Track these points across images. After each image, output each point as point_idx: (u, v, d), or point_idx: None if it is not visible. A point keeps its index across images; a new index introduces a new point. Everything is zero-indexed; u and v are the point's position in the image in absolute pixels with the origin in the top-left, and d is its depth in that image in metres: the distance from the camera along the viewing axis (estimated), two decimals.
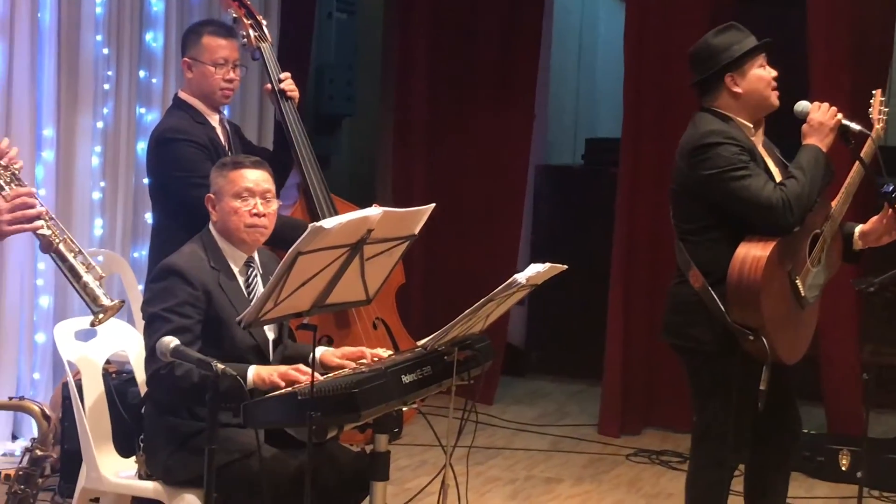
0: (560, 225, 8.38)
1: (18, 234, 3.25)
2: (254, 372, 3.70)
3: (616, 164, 7.26)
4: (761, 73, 4.19)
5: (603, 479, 6.19)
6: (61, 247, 3.23)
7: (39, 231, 3.20)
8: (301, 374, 3.65)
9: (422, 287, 7.59)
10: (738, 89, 4.18)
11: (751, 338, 4.05)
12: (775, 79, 4.21)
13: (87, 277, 3.24)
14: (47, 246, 3.22)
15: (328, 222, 3.30)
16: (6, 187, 3.20)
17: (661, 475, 6.27)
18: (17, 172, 3.26)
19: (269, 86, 5.11)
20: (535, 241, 8.31)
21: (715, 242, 4.14)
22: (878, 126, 4.26)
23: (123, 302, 3.37)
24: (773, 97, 4.22)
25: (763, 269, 4.01)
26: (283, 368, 3.71)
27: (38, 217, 3.19)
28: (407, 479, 5.75)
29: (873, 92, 4.35)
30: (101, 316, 3.26)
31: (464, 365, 3.89)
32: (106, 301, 3.25)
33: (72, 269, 3.24)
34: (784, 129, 4.34)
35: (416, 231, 3.71)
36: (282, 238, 4.06)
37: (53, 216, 3.27)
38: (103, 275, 3.31)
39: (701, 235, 4.19)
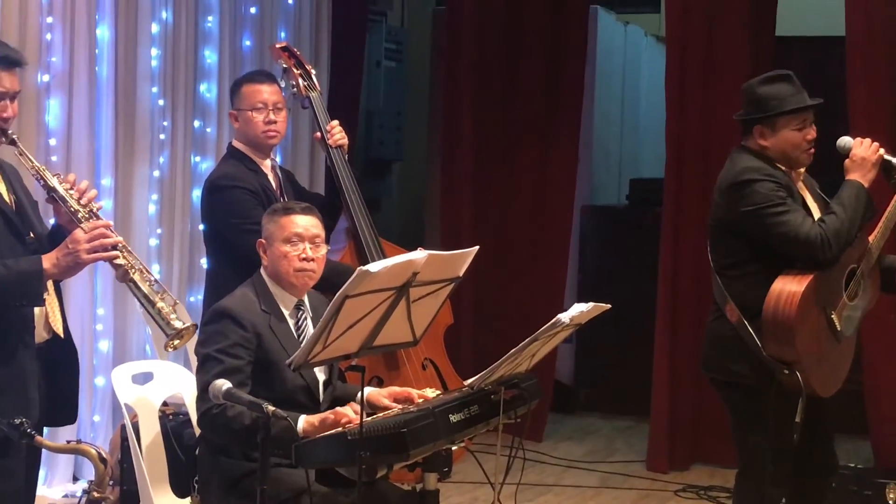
0: (606, 264, 8.38)
1: (75, 278, 3.33)
2: (304, 420, 3.72)
3: (660, 204, 7.27)
4: (792, 135, 4.17)
5: None
6: (136, 276, 3.33)
7: (116, 261, 3.30)
8: (348, 413, 3.64)
9: (471, 327, 7.59)
10: (764, 142, 4.19)
11: (786, 372, 4.04)
12: (810, 141, 4.19)
13: (161, 304, 3.34)
14: (123, 275, 3.32)
15: (374, 266, 3.30)
16: (86, 221, 3.32)
17: None
18: (94, 210, 3.38)
19: (318, 134, 5.13)
20: (581, 280, 8.30)
21: (751, 277, 4.14)
22: None
23: (196, 325, 3.44)
24: (802, 157, 4.22)
25: (798, 304, 4.00)
26: (336, 410, 3.72)
27: (115, 247, 3.29)
28: None
29: None
30: (175, 342, 3.37)
31: (510, 403, 3.86)
32: (178, 324, 3.35)
33: (146, 297, 3.34)
34: (826, 165, 4.32)
35: (461, 273, 3.70)
36: (329, 283, 4.08)
37: (129, 248, 3.37)
38: (177, 301, 3.39)
39: (738, 270, 4.19)
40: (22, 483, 3.34)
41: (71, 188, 3.39)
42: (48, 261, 3.26)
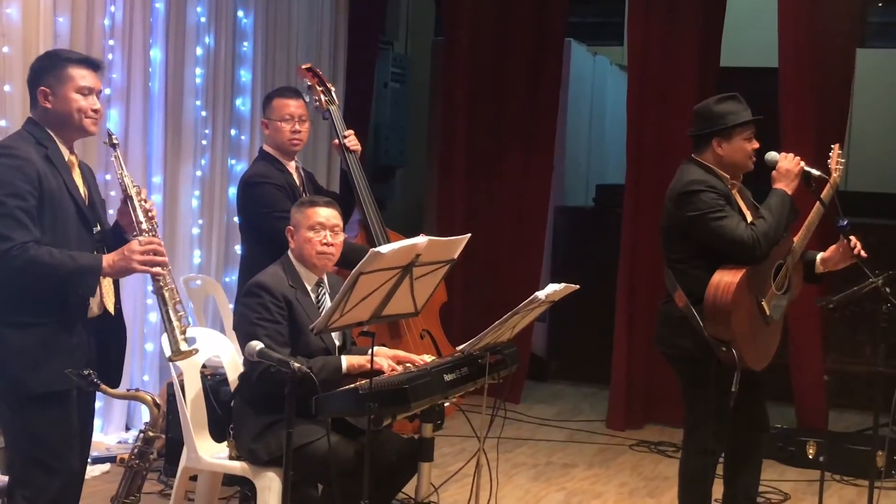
0: (575, 255, 8.36)
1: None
2: (346, 361, 3.82)
3: (621, 206, 7.27)
4: (744, 145, 4.20)
5: (610, 465, 6.19)
6: (166, 293, 3.30)
7: (157, 277, 3.28)
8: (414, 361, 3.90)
9: (461, 305, 7.57)
10: (721, 152, 4.20)
11: (723, 349, 4.06)
12: (755, 150, 4.22)
13: (176, 324, 3.29)
14: (158, 290, 3.30)
15: (384, 248, 3.34)
16: (145, 234, 3.30)
17: (658, 462, 6.26)
18: (155, 225, 3.36)
19: (336, 141, 5.14)
20: (553, 268, 8.29)
21: (697, 270, 4.15)
22: (835, 175, 4.27)
23: (196, 350, 3.42)
24: (749, 164, 4.24)
25: (733, 292, 4.02)
26: (395, 352, 3.96)
27: (162, 265, 3.28)
28: (448, 463, 5.75)
29: (832, 146, 4.37)
30: (175, 357, 3.33)
31: (495, 366, 3.91)
32: (183, 346, 3.30)
33: (167, 315, 3.29)
34: (756, 174, 4.36)
35: (456, 256, 3.74)
36: (348, 260, 4.13)
37: (170, 269, 3.35)
38: (189, 325, 3.35)
39: (685, 264, 4.20)
40: (77, 429, 3.33)
41: (143, 200, 3.37)
42: (106, 261, 3.25)
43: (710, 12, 7.04)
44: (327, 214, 4.06)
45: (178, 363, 4.10)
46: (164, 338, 3.44)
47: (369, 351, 3.64)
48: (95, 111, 3.36)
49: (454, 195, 7.88)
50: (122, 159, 3.42)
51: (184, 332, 3.30)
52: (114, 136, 3.39)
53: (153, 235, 3.32)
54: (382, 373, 3.79)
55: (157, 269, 3.27)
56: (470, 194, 7.84)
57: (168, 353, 3.35)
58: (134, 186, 3.39)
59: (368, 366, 3.68)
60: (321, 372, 3.72)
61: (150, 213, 3.37)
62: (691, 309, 4.12)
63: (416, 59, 9.33)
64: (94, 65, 3.39)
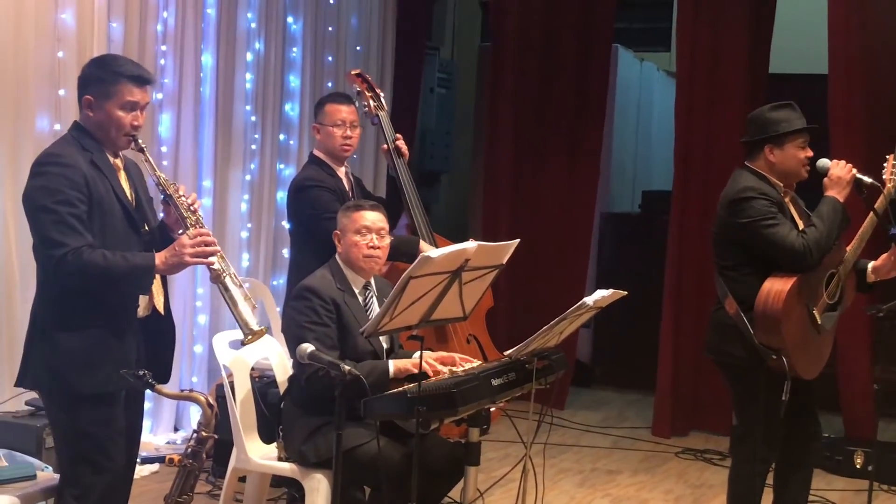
0: (620, 262, 8.36)
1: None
2: (394, 365, 3.83)
3: (668, 212, 7.26)
4: (796, 153, 4.18)
5: (655, 472, 6.17)
6: (227, 280, 3.32)
7: (212, 266, 3.31)
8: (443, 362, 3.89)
9: (507, 310, 7.59)
10: (773, 159, 4.18)
11: (773, 357, 4.04)
12: (808, 158, 4.20)
13: (243, 306, 3.32)
14: (216, 277, 3.32)
15: (434, 252, 3.35)
16: (191, 228, 3.32)
17: (704, 469, 6.23)
18: (200, 217, 3.39)
19: (385, 146, 5.17)
20: (599, 276, 8.29)
21: (747, 277, 4.13)
22: (889, 185, 4.20)
23: (265, 330, 3.42)
24: (802, 172, 4.22)
25: (783, 301, 4.00)
26: (437, 354, 3.95)
27: (214, 254, 3.31)
28: (493, 468, 5.75)
29: (887, 156, 4.30)
30: (249, 337, 3.34)
31: (541, 372, 3.90)
32: (255, 326, 3.33)
33: (232, 299, 3.32)
34: (808, 182, 4.34)
35: (504, 261, 3.74)
36: (399, 251, 4.22)
37: (224, 255, 3.37)
38: (256, 305, 3.39)
39: (736, 271, 4.18)
40: (123, 427, 3.36)
41: (182, 196, 3.39)
42: (159, 258, 3.26)
43: (760, 18, 7.00)
44: (373, 218, 4.08)
45: (227, 365, 4.18)
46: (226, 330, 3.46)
47: (416, 355, 3.65)
48: (136, 126, 3.37)
49: (499, 201, 7.89)
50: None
51: (254, 313, 3.32)
52: (140, 141, 3.38)
53: (201, 228, 3.34)
54: (429, 377, 3.81)
55: (211, 260, 3.28)
56: (515, 200, 7.86)
57: (242, 336, 3.35)
58: (172, 185, 3.41)
59: (414, 370, 3.70)
60: (369, 376, 3.74)
61: (192, 207, 3.39)
62: (742, 316, 4.10)
63: (462, 64, 9.34)
64: (145, 81, 3.39)
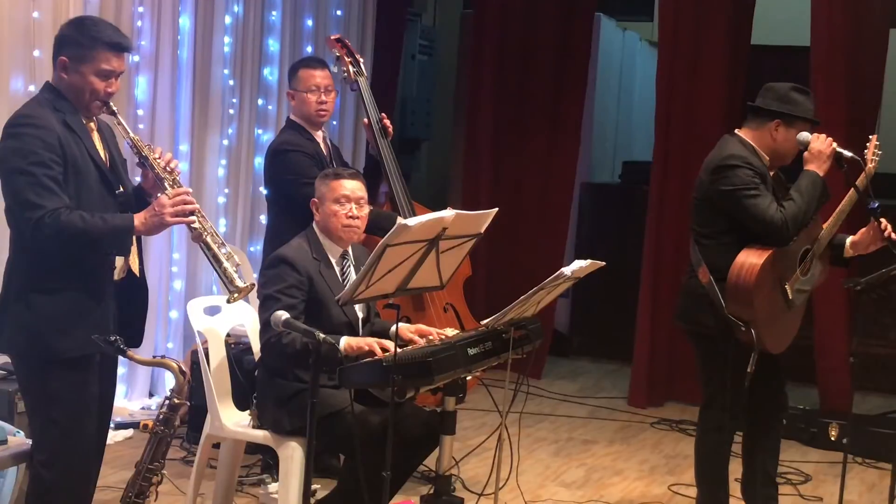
0: (600, 232, 8.34)
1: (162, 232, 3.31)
2: (345, 342, 3.75)
3: (647, 183, 7.25)
4: (794, 138, 4.17)
5: (631, 441, 6.19)
6: (208, 239, 3.32)
7: (193, 225, 3.29)
8: (382, 348, 3.70)
9: (485, 279, 7.59)
10: (776, 135, 4.17)
11: (743, 329, 4.05)
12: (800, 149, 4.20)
13: (227, 264, 3.33)
14: (197, 237, 3.31)
15: (411, 221, 3.33)
16: (170, 188, 3.30)
17: (679, 440, 6.25)
18: (177, 177, 3.37)
19: (366, 120, 5.11)
20: (578, 245, 8.27)
21: (724, 246, 4.13)
22: (870, 165, 4.20)
23: (254, 285, 3.43)
24: (789, 159, 4.23)
25: (757, 274, 4.01)
26: (371, 340, 3.76)
27: (194, 213, 3.29)
28: (469, 437, 5.76)
29: (870, 137, 4.28)
30: (235, 295, 3.35)
31: (518, 341, 3.91)
32: (240, 283, 3.34)
33: (215, 257, 3.33)
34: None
35: (482, 230, 3.72)
36: (376, 225, 4.14)
37: (204, 214, 3.35)
38: (239, 263, 3.39)
39: (713, 239, 4.18)
40: (95, 393, 3.33)
41: (158, 157, 3.37)
42: (138, 219, 3.24)
43: None
44: (353, 187, 4.04)
45: (202, 332, 4.15)
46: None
47: (391, 330, 3.63)
48: (110, 93, 3.33)
49: (480, 169, 7.87)
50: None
51: (237, 271, 3.32)
52: (111, 104, 3.35)
53: (179, 187, 3.31)
54: (407, 345, 3.80)
55: (191, 218, 3.27)
56: (496, 169, 7.84)
57: (227, 295, 3.36)
58: (147, 146, 3.39)
59: (366, 349, 3.68)
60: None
61: (169, 167, 3.37)
62: (714, 286, 4.11)
63: (444, 31, 9.28)
64: (124, 49, 3.35)
